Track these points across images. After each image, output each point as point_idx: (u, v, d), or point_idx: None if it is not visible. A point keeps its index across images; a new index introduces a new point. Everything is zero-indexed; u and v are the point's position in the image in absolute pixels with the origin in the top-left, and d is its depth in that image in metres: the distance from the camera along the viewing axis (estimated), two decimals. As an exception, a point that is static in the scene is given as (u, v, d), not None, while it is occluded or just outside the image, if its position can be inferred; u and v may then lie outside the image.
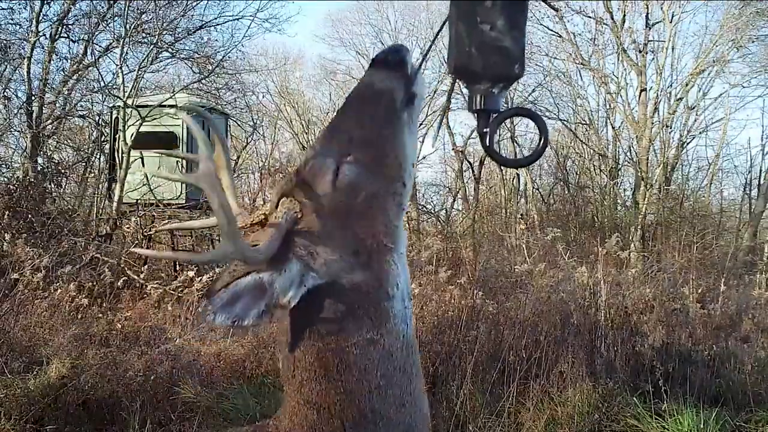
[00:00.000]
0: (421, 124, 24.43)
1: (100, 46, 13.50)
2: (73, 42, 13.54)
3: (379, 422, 1.34)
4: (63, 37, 13.28)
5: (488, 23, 1.44)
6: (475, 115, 1.52)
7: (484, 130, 1.50)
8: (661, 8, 16.87)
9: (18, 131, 13.10)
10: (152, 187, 10.99)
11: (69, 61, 13.35)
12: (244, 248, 1.28)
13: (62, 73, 13.12)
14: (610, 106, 18.67)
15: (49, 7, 12.89)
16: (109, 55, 13.58)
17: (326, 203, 1.37)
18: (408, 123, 1.47)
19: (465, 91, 1.54)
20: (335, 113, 1.50)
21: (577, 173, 19.81)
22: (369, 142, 1.41)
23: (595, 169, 19.11)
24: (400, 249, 1.42)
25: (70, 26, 13.36)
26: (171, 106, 11.68)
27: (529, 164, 1.69)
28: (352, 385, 1.33)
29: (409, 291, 1.45)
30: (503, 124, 1.57)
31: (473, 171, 23.42)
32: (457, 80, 1.56)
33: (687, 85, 17.04)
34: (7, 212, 8.40)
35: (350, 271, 1.35)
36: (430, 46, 1.86)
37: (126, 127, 11.02)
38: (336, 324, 1.34)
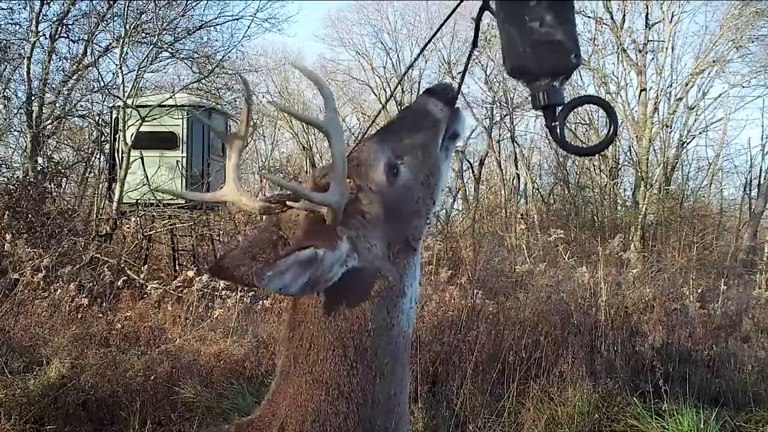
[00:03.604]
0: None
1: (99, 46, 13.51)
2: (73, 42, 13.55)
3: (376, 407, 1.44)
4: (63, 37, 13.29)
5: (537, 20, 1.45)
6: (542, 111, 1.53)
7: (553, 123, 1.52)
8: (661, 8, 16.87)
9: (18, 131, 13.11)
10: (152, 187, 10.99)
11: (69, 61, 13.36)
12: (342, 202, 1.41)
13: (62, 73, 13.12)
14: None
15: (49, 7, 12.90)
16: (108, 55, 13.58)
17: (381, 193, 1.49)
18: (447, 154, 1.63)
19: (526, 89, 1.56)
20: (392, 118, 1.67)
21: (577, 173, 19.80)
22: (418, 153, 1.55)
23: (595, 169, 19.12)
24: (419, 249, 1.55)
25: (69, 26, 13.36)
26: (171, 106, 11.68)
27: (601, 151, 1.71)
28: (364, 367, 1.42)
29: (417, 295, 1.56)
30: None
31: (473, 171, 23.44)
32: (518, 81, 1.58)
33: (687, 85, 17.05)
34: (7, 212, 8.40)
35: (382, 260, 1.47)
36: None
37: (126, 127, 11.01)
38: (360, 307, 1.44)
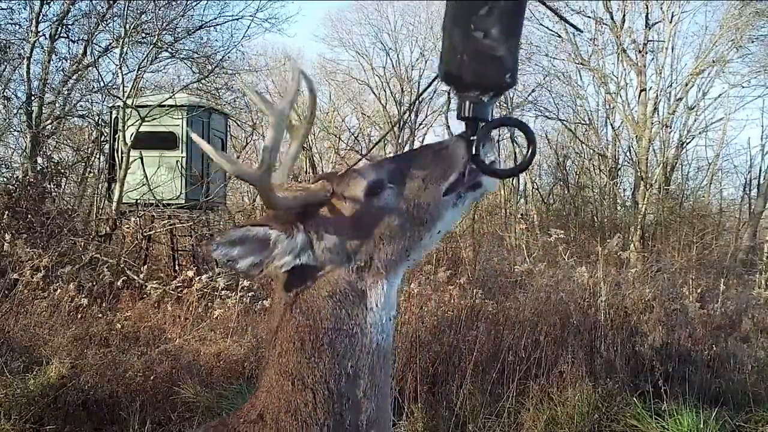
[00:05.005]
0: (420, 124, 24.21)
1: (99, 46, 13.54)
2: (73, 42, 13.58)
3: (346, 403, 1.46)
4: (63, 37, 13.32)
5: (482, 31, 1.42)
6: (464, 122, 1.53)
7: (472, 138, 1.51)
8: (661, 8, 16.88)
9: (18, 131, 13.12)
10: (152, 187, 10.99)
11: (69, 61, 13.38)
12: (267, 178, 1.42)
13: (62, 73, 13.13)
14: (609, 106, 18.68)
15: (49, 7, 12.92)
16: (108, 55, 13.61)
17: (352, 205, 1.52)
18: (458, 202, 1.56)
19: (454, 97, 1.55)
20: (411, 149, 1.69)
21: (576, 173, 19.81)
22: (415, 185, 1.53)
23: (594, 169, 19.12)
24: (391, 279, 1.54)
25: (69, 26, 13.38)
26: (171, 106, 11.67)
27: (517, 174, 1.68)
28: (324, 364, 1.46)
29: (393, 311, 1.56)
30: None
31: (473, 171, 23.40)
32: (448, 86, 1.56)
33: (687, 85, 17.05)
34: (7, 212, 8.40)
35: (339, 267, 1.50)
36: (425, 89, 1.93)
37: (125, 127, 11.01)
38: (315, 305, 1.48)
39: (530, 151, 1.51)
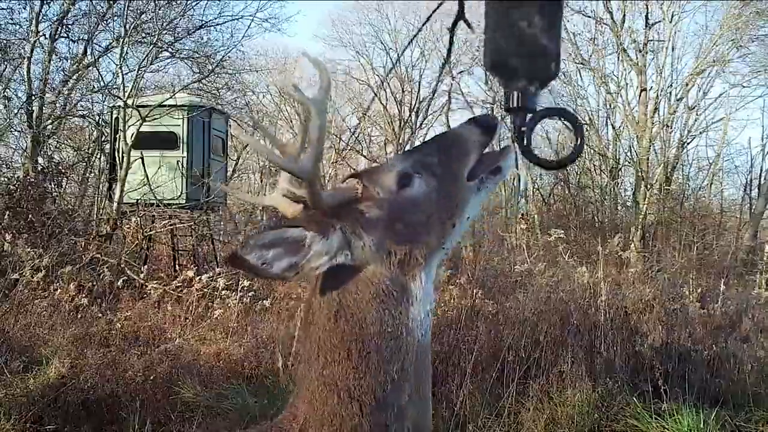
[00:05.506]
0: (421, 125, 24.25)
1: (99, 46, 13.55)
2: (73, 42, 13.60)
3: (390, 412, 1.42)
4: (63, 37, 13.33)
5: (526, 20, 1.42)
6: (512, 113, 1.51)
7: (522, 128, 1.50)
8: (661, 8, 16.88)
9: (18, 131, 13.13)
10: (152, 187, 10.99)
11: (69, 61, 13.40)
12: (316, 172, 1.40)
13: (62, 73, 13.15)
14: (610, 105, 18.69)
15: (49, 7, 12.93)
16: (109, 54, 13.62)
17: (386, 198, 1.50)
18: (482, 186, 1.58)
19: (501, 89, 1.54)
20: (427, 139, 1.68)
21: (577, 173, 19.79)
22: (439, 172, 1.54)
23: (595, 169, 19.11)
24: (428, 270, 1.52)
25: (69, 26, 13.39)
26: (171, 106, 11.67)
27: (567, 165, 1.66)
28: (371, 372, 1.41)
29: (431, 306, 1.54)
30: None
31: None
32: (494, 77, 1.55)
33: (687, 84, 17.05)
34: (7, 212, 8.40)
35: (378, 263, 1.47)
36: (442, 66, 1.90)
37: (126, 126, 11.01)
38: (360, 310, 1.44)
39: (579, 141, 1.50)
